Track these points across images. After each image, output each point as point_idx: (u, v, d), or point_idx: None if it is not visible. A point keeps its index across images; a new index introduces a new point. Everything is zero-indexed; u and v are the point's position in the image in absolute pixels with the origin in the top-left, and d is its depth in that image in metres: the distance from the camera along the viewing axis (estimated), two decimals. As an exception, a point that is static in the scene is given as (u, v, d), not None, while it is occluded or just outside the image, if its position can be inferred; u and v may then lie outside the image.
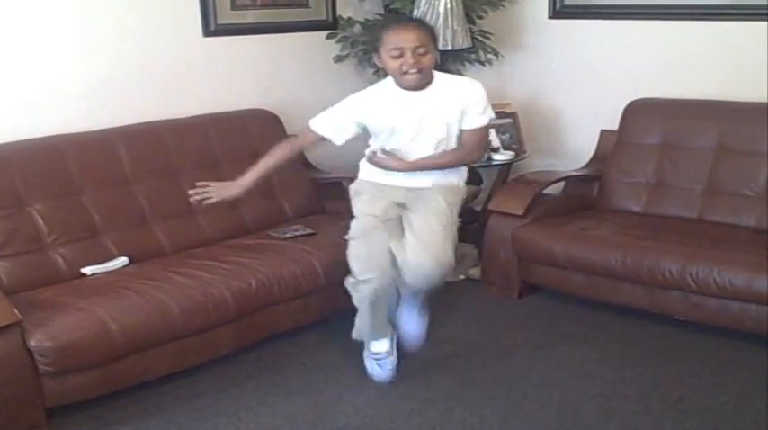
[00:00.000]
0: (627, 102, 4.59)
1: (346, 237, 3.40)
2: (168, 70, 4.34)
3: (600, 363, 3.59)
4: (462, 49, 4.83)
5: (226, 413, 3.25)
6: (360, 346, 3.54)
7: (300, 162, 4.64)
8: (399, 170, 3.39)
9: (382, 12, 5.07)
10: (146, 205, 3.96)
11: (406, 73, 3.18)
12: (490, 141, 4.76)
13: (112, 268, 3.66)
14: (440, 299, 3.63)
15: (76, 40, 4.00)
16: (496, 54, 5.03)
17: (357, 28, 5.02)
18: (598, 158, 4.72)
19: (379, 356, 3.45)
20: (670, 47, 4.62)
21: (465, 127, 3.36)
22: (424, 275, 3.24)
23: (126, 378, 3.26)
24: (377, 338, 3.44)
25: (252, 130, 4.47)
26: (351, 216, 3.50)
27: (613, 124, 4.64)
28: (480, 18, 4.96)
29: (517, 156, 4.84)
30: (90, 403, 3.21)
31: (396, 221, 3.37)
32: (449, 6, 4.51)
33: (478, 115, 3.36)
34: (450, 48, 4.67)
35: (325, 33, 4.95)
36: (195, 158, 4.20)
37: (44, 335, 3.01)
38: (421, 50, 3.14)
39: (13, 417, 2.99)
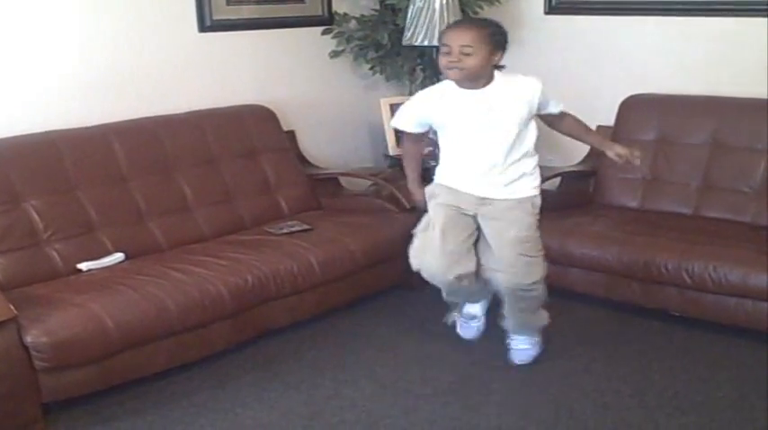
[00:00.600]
0: (623, 97, 4.59)
1: (415, 230, 3.49)
2: (163, 66, 4.33)
3: (595, 359, 3.59)
4: (458, 45, 4.83)
5: (222, 408, 3.25)
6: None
7: (296, 157, 4.65)
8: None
9: (378, 7, 5.07)
10: (141, 201, 3.96)
11: (448, 69, 3.22)
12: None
13: (108, 264, 3.66)
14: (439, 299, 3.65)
15: (71, 35, 3.99)
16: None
17: (353, 23, 5.01)
18: (594, 154, 4.71)
19: (466, 317, 3.70)
20: (666, 42, 4.62)
21: (553, 111, 3.45)
22: (519, 293, 3.36)
23: (122, 374, 3.26)
24: (468, 302, 3.67)
25: (248, 126, 4.47)
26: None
27: (609, 120, 4.63)
28: (476, 14, 4.95)
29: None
30: (86, 399, 3.20)
31: (466, 224, 3.39)
32: (445, 2, 4.51)
33: (554, 103, 3.44)
34: (446, 43, 4.66)
35: (320, 29, 4.94)
36: (191, 154, 4.20)
37: (40, 330, 3.00)
38: (466, 50, 3.15)
39: (9, 413, 2.99)
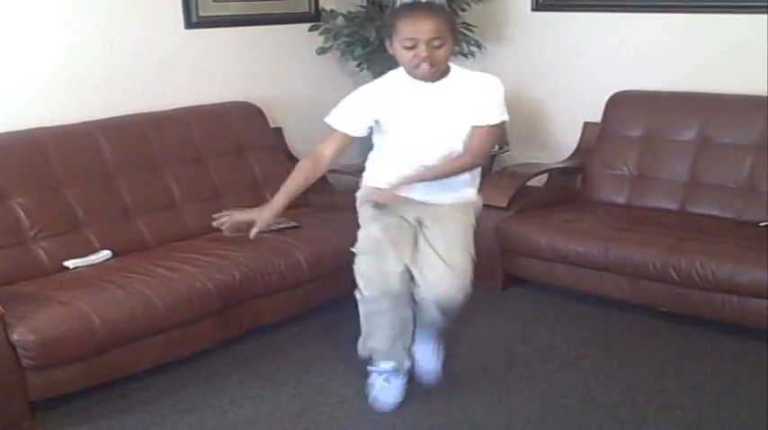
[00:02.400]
0: (610, 94, 4.60)
1: (353, 249, 3.14)
2: (150, 62, 4.32)
3: (583, 355, 3.60)
4: (445, 42, 4.83)
5: (210, 405, 3.24)
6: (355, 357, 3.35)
7: (284, 154, 4.64)
8: (393, 201, 3.06)
9: (365, 4, 5.06)
10: (128, 198, 3.95)
11: (417, 66, 2.90)
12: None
13: (95, 261, 3.65)
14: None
15: (57, 32, 3.97)
16: (479, 46, 5.03)
17: (340, 20, 5.00)
18: (581, 151, 4.73)
19: (386, 373, 3.21)
20: (653, 39, 4.63)
21: (475, 123, 3.03)
22: (448, 300, 3.00)
23: (109, 371, 3.25)
24: (387, 359, 3.20)
25: (235, 123, 4.46)
26: (356, 225, 3.22)
27: (596, 116, 4.65)
28: (463, 10, 4.96)
29: (500, 148, 4.85)
30: (74, 396, 3.19)
31: (407, 232, 3.08)
32: (432, -1, 4.50)
33: (490, 111, 3.03)
34: (433, 40, 4.66)
35: (307, 25, 4.93)
36: (178, 151, 4.19)
37: (27, 328, 2.99)
38: (436, 42, 2.85)
39: (-4, 411, 2.98)
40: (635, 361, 3.54)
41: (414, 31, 2.86)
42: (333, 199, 4.55)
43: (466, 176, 3.13)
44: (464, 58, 5.08)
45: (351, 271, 3.96)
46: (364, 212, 3.18)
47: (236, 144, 4.42)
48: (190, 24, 4.46)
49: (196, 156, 4.26)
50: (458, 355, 3.60)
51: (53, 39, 3.96)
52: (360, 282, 3.09)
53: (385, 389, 3.21)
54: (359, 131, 3.11)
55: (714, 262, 3.58)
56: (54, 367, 3.06)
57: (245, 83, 4.72)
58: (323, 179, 4.71)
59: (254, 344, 3.72)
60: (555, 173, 4.67)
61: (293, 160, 4.67)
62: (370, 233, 3.10)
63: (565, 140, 4.88)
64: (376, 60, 5.02)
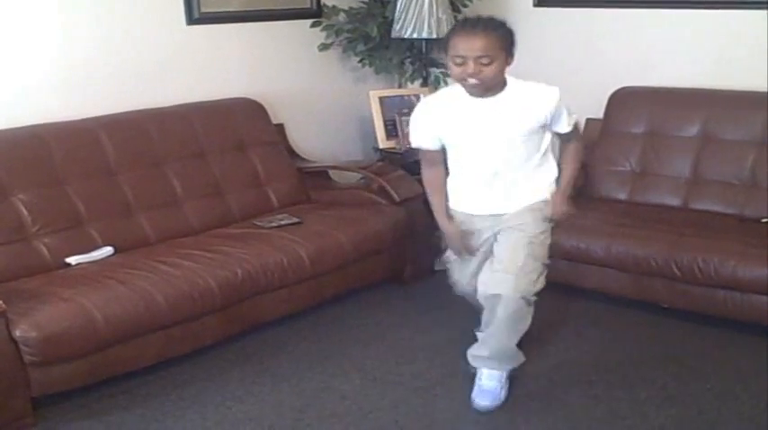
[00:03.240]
0: (612, 90, 4.60)
1: (445, 258, 3.37)
2: (151, 59, 4.32)
3: (585, 351, 3.60)
4: (447, 38, 4.83)
5: (212, 402, 3.24)
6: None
7: (286, 151, 4.65)
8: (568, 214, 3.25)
9: (366, 0, 5.05)
10: (130, 195, 3.95)
11: (465, 80, 2.96)
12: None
13: (97, 258, 3.65)
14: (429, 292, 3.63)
15: (57, 28, 3.97)
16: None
17: (342, 16, 5.01)
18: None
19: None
20: (655, 35, 4.62)
21: (560, 131, 3.15)
22: (503, 300, 3.03)
23: (111, 368, 3.25)
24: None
25: (236, 119, 4.46)
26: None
27: (599, 113, 4.64)
28: (465, 6, 4.96)
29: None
30: (76, 393, 3.20)
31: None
32: (434, -6, 4.52)
33: (566, 117, 3.13)
34: (435, 36, 4.67)
35: (309, 21, 4.93)
36: (180, 148, 4.19)
37: (29, 325, 3.00)
38: (484, 60, 2.89)
39: (-2, 407, 2.99)
40: (636, 357, 3.54)
41: (463, 49, 2.92)
42: (334, 195, 4.56)
43: (540, 176, 3.16)
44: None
45: (353, 267, 4.00)
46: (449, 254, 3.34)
47: (237, 140, 4.42)
48: (191, 20, 4.45)
49: (198, 152, 4.26)
50: (459, 352, 3.60)
51: (54, 35, 3.96)
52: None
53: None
54: (435, 146, 3.16)
55: (716, 258, 3.58)
56: (56, 363, 3.07)
57: (247, 79, 4.72)
58: (324, 175, 4.74)
59: (256, 341, 3.72)
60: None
61: (295, 156, 4.70)
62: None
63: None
64: (378, 56, 5.03)
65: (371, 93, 4.96)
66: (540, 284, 3.11)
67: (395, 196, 4.21)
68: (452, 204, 3.24)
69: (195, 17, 4.45)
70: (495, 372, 3.22)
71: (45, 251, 3.60)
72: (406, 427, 3.06)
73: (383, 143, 4.85)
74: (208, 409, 3.19)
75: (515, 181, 3.12)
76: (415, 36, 4.71)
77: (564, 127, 3.14)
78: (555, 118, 3.09)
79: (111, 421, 3.12)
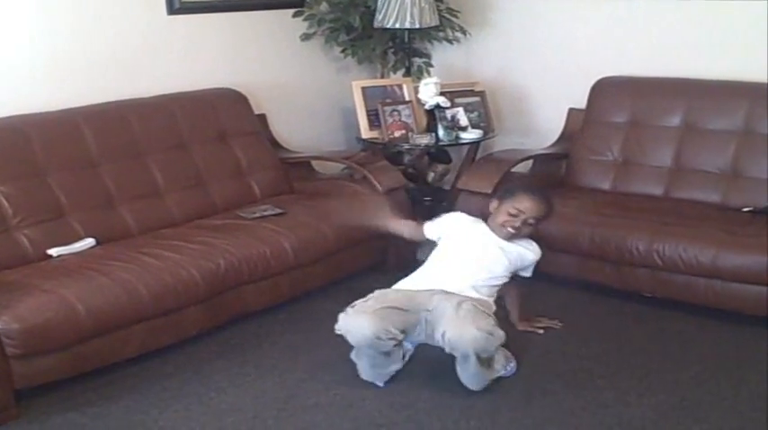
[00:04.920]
0: (594, 80, 4.61)
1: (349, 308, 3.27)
2: (132, 49, 4.29)
3: (567, 340, 3.62)
4: (430, 27, 4.83)
5: (196, 393, 3.24)
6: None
7: (268, 141, 4.63)
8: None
9: (349, -10, 5.04)
10: (112, 186, 3.93)
11: (505, 227, 3.40)
12: (458, 120, 4.79)
13: (79, 249, 3.63)
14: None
15: (37, 17, 3.93)
16: (464, 32, 5.04)
17: (324, 6, 4.99)
18: (566, 137, 4.74)
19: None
20: (637, 24, 4.64)
21: (524, 275, 3.57)
22: (469, 341, 3.05)
23: (95, 359, 3.24)
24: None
25: (219, 110, 4.44)
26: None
27: (581, 102, 4.66)
28: (448, -5, 4.96)
29: (485, 134, 4.86)
30: (59, 385, 3.18)
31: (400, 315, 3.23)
32: (416, -15, 4.51)
33: (528, 269, 3.57)
34: (417, 26, 4.67)
35: (291, 11, 4.91)
36: (161, 138, 4.17)
37: (11, 317, 2.98)
38: (531, 221, 3.40)
39: (-20, 400, 2.97)
40: (619, 346, 3.56)
41: (524, 207, 3.40)
42: (318, 185, 4.55)
43: (491, 292, 3.42)
44: (449, 44, 5.09)
45: (336, 257, 3.99)
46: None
47: (219, 131, 4.41)
48: (172, 10, 4.42)
49: (180, 143, 4.24)
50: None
51: (33, 25, 3.93)
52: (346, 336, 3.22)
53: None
54: (433, 237, 3.56)
55: (697, 247, 3.61)
56: (39, 355, 3.06)
57: (229, 69, 4.70)
58: (307, 165, 4.74)
59: (240, 332, 3.72)
60: (540, 159, 4.68)
61: (277, 147, 4.69)
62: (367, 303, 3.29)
63: (549, 126, 4.88)
64: (360, 46, 5.02)
65: (354, 83, 4.95)
66: (500, 338, 3.16)
67: (378, 186, 4.21)
68: (398, 285, 3.45)
69: (176, 7, 4.43)
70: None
71: (26, 243, 3.58)
72: (389, 417, 3.06)
73: (366, 133, 4.85)
74: (192, 400, 3.19)
75: (469, 287, 3.34)
76: (397, 26, 4.70)
77: (527, 273, 3.57)
78: (527, 269, 3.55)
79: (94, 413, 3.11)
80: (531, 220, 3.41)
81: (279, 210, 4.05)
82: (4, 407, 3.03)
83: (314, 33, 4.99)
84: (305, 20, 4.95)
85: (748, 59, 4.24)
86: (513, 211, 3.39)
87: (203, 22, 4.58)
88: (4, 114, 3.76)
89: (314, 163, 4.78)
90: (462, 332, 3.07)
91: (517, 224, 3.39)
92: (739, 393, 3.14)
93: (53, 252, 3.58)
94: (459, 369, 3.18)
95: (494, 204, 3.50)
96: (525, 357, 3.45)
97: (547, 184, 4.47)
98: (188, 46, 4.53)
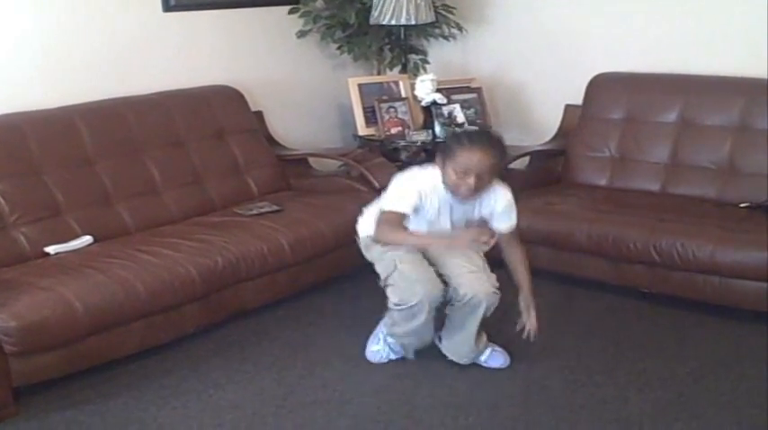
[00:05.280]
0: (591, 76, 4.61)
1: (382, 283, 3.29)
2: (128, 46, 4.29)
3: (565, 336, 3.62)
4: (426, 24, 4.83)
5: (194, 390, 3.23)
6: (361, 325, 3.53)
7: (265, 138, 4.63)
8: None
9: (345, -13, 5.04)
10: (108, 183, 3.93)
11: (459, 189, 3.13)
12: (455, 117, 4.78)
13: (76, 247, 3.63)
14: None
15: (33, 15, 3.93)
16: (460, 29, 5.04)
17: (319, 2, 4.99)
18: (563, 133, 4.74)
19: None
20: (634, 21, 4.64)
21: (501, 229, 3.29)
22: (482, 298, 3.18)
23: (93, 357, 3.24)
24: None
25: (215, 107, 4.44)
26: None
27: (578, 99, 4.66)
28: (443, -9, 4.96)
29: (482, 131, 4.85)
30: (57, 382, 3.18)
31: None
32: (412, -18, 4.51)
33: (507, 220, 3.31)
34: (413, 22, 4.67)
35: (287, 8, 4.91)
36: (158, 136, 4.17)
37: (8, 314, 2.97)
38: (485, 177, 3.11)
39: (-21, 398, 2.96)
40: (617, 341, 3.56)
41: (469, 164, 3.08)
42: (314, 182, 4.55)
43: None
44: (445, 41, 5.09)
45: (333, 254, 3.99)
46: (373, 251, 3.37)
47: (216, 128, 4.40)
48: (168, 7, 4.42)
49: (176, 140, 4.24)
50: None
51: (29, 22, 3.92)
52: (398, 297, 3.21)
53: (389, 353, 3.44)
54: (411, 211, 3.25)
55: (695, 243, 3.61)
56: (37, 353, 3.05)
57: (225, 66, 4.70)
58: (304, 162, 4.74)
59: (238, 329, 3.72)
60: (536, 155, 4.68)
61: (274, 144, 4.69)
62: (387, 256, 3.26)
63: (546, 123, 4.89)
64: (356, 43, 5.02)
65: (350, 80, 4.95)
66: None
67: (375, 183, 4.21)
68: (369, 231, 3.36)
69: (171, 4, 4.43)
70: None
71: (23, 240, 3.58)
72: (387, 413, 3.06)
73: (362, 130, 4.85)
74: (190, 397, 3.19)
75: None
76: (393, 22, 4.70)
77: (505, 227, 3.30)
78: (501, 216, 3.28)
79: (92, 410, 3.11)
80: (483, 176, 3.11)
81: (276, 208, 4.05)
82: (3, 404, 3.02)
83: (310, 30, 4.99)
84: (301, 17, 4.94)
85: (745, 55, 4.24)
86: (460, 171, 3.11)
87: (199, 19, 4.57)
88: (0, 112, 3.75)
89: (311, 160, 4.78)
90: (478, 285, 3.17)
91: (471, 182, 3.09)
92: (738, 389, 3.15)
93: (50, 250, 3.58)
94: (457, 334, 3.29)
95: (439, 162, 3.20)
96: (523, 353, 3.45)
97: (544, 181, 4.49)
98: (184, 43, 4.53)
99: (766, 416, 2.95)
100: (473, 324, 3.25)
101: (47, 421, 3.05)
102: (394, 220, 3.20)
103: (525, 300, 3.35)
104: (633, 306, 3.88)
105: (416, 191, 3.22)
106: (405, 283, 3.19)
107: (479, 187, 3.12)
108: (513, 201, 3.30)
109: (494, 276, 3.26)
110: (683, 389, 3.16)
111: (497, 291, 3.22)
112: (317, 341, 3.61)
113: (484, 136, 3.24)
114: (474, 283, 3.20)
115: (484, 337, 3.37)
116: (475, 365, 3.36)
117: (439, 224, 3.28)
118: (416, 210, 3.22)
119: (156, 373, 3.36)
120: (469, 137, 3.21)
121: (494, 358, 3.39)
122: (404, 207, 3.20)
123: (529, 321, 3.34)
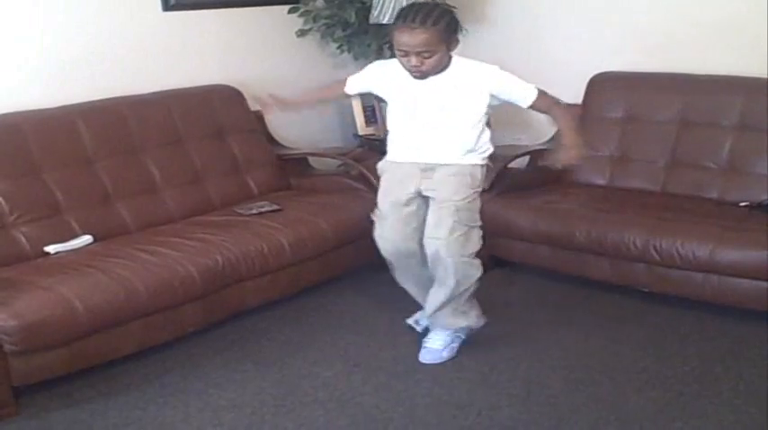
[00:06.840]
0: (591, 75, 4.61)
1: (373, 216, 3.44)
2: (127, 46, 4.29)
3: (565, 335, 3.62)
4: (426, 24, 4.81)
5: (194, 389, 3.24)
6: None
7: (265, 137, 4.63)
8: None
9: (345, -15, 5.04)
10: (108, 183, 3.93)
11: (412, 73, 3.15)
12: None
13: (76, 246, 3.63)
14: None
15: (33, 15, 3.93)
16: (460, 28, 5.02)
17: (319, 2, 4.99)
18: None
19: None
20: (633, 19, 4.64)
21: (522, 105, 3.30)
22: (441, 264, 3.25)
23: (93, 356, 3.24)
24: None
25: (215, 106, 4.44)
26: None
27: (577, 98, 4.65)
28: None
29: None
30: (58, 382, 3.18)
31: (415, 212, 3.34)
32: (411, -20, 4.49)
33: (523, 90, 3.28)
34: (414, 22, 4.65)
35: (287, 7, 4.91)
36: (158, 135, 4.17)
37: (9, 314, 2.98)
38: (426, 54, 3.06)
39: (-21, 397, 2.97)
40: (616, 341, 3.56)
41: (404, 44, 3.07)
42: (314, 182, 4.56)
43: (468, 142, 3.27)
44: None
45: (334, 253, 4.00)
46: (382, 182, 3.45)
47: (216, 127, 4.41)
48: (168, 7, 4.43)
49: (176, 139, 4.24)
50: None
51: (29, 22, 3.92)
52: (378, 243, 3.41)
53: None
54: (355, 92, 3.51)
55: (694, 242, 3.60)
56: (37, 352, 3.05)
57: (225, 66, 4.70)
58: (304, 161, 4.74)
59: (238, 328, 3.72)
60: (536, 154, 4.67)
61: (274, 143, 4.68)
62: (380, 201, 3.42)
63: (546, 122, 4.85)
64: (356, 42, 5.02)
65: (350, 79, 4.93)
66: (474, 245, 3.31)
67: (375, 182, 4.20)
68: (387, 157, 3.42)
69: (171, 3, 4.43)
70: (440, 333, 3.45)
71: (23, 240, 3.58)
72: (388, 412, 3.06)
73: (362, 129, 4.85)
74: (190, 397, 3.19)
75: (446, 139, 3.25)
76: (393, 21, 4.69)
77: (524, 100, 3.28)
78: (506, 94, 3.26)
79: (93, 409, 3.11)
80: (424, 53, 3.05)
81: (276, 207, 4.05)
82: (3, 404, 3.03)
83: (310, 29, 4.99)
84: (300, 16, 4.94)
85: (744, 54, 4.23)
86: (401, 52, 3.09)
87: (199, 18, 4.57)
88: (0, 112, 3.75)
89: (311, 159, 4.79)
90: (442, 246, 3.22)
91: (414, 62, 3.07)
92: (737, 388, 3.15)
93: (50, 249, 3.58)
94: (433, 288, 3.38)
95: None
96: (523, 352, 3.45)
97: (543, 181, 4.49)
98: (184, 42, 4.53)
99: (766, 416, 2.95)
100: (442, 290, 3.32)
101: (47, 420, 3.05)
102: (332, 84, 3.55)
103: (568, 140, 3.34)
104: (632, 305, 3.88)
105: (375, 72, 3.34)
106: (376, 238, 3.40)
107: (429, 65, 3.09)
108: (501, 70, 3.24)
109: (460, 242, 3.25)
110: (683, 388, 3.16)
111: (469, 259, 3.27)
112: (317, 340, 3.62)
113: (420, 10, 3.08)
114: (428, 247, 3.26)
115: (460, 323, 3.42)
116: (475, 365, 3.36)
117: (417, 110, 3.24)
118: (380, 93, 3.37)
119: (156, 373, 3.36)
120: (404, 15, 3.10)
121: (428, 348, 3.43)
122: (352, 79, 3.42)
123: (563, 154, 3.35)
